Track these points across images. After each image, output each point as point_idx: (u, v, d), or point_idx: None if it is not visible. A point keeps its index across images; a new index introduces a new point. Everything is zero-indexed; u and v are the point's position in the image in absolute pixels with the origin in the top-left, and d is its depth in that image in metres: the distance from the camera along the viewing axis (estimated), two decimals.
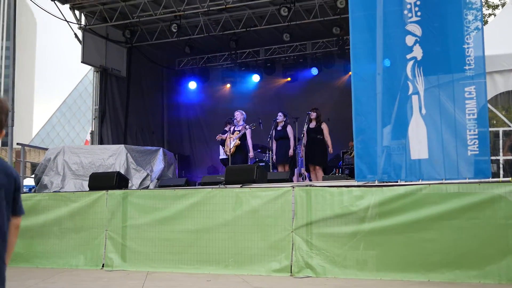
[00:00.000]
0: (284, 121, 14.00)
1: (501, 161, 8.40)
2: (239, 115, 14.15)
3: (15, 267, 9.51)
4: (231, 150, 13.78)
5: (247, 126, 13.88)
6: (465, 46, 7.77)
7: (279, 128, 13.97)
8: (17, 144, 15.19)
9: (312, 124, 13.57)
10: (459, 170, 7.71)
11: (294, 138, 13.94)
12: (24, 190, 13.58)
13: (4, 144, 49.72)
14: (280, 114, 14.05)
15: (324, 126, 13.54)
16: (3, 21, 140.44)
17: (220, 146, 15.01)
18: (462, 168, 7.67)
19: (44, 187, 12.96)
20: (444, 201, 7.47)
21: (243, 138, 13.89)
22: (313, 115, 13.57)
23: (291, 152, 13.77)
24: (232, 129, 14.09)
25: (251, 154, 13.93)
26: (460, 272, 7.26)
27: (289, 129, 13.92)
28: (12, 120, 13.04)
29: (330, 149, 13.63)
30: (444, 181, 7.72)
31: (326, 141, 13.46)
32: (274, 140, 14.08)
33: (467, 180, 7.62)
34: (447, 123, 7.85)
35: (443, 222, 7.44)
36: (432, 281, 7.33)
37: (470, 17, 7.84)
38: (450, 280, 7.26)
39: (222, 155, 15.03)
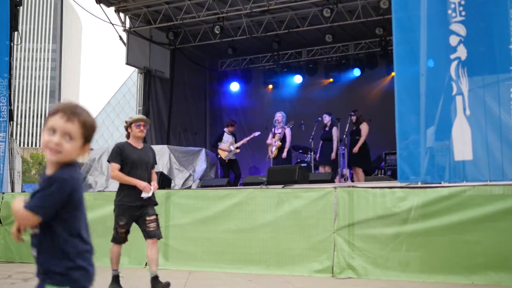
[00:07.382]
0: (331, 121, 13.92)
1: None
2: (280, 116, 14.08)
3: None
4: (274, 152, 13.77)
5: (285, 126, 13.85)
6: (511, 46, 7.64)
7: (327, 129, 13.93)
8: None
9: (354, 126, 13.57)
10: (504, 172, 7.57)
11: (337, 140, 13.84)
12: None
13: None
14: (325, 115, 14.00)
15: (362, 127, 13.46)
16: (49, 24, 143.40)
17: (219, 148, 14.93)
18: (507, 169, 7.53)
19: (89, 186, 13.22)
20: (489, 203, 7.35)
21: (284, 139, 13.86)
22: (354, 118, 13.54)
23: (333, 155, 13.66)
24: (273, 131, 14.06)
25: (284, 154, 13.81)
26: (505, 274, 7.13)
27: (334, 130, 13.77)
28: None
29: (356, 149, 13.35)
30: (488, 183, 7.58)
31: (359, 140, 13.32)
32: (320, 140, 14.01)
33: None
34: (492, 124, 7.72)
35: (488, 224, 7.32)
36: (476, 283, 7.21)
37: None
38: (495, 282, 7.13)
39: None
